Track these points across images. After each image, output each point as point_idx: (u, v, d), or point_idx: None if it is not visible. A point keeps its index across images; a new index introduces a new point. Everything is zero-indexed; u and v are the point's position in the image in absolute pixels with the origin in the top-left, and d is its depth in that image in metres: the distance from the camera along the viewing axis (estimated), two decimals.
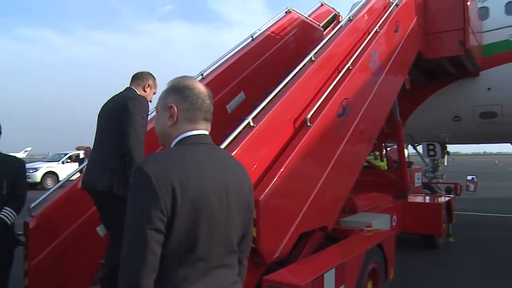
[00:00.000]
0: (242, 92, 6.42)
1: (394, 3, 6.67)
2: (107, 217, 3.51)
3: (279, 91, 4.29)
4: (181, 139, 1.56)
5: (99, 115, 3.61)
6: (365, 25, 6.09)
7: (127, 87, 3.70)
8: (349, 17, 5.87)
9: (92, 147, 3.66)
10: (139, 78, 3.72)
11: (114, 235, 3.28)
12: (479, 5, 9.26)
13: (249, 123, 3.79)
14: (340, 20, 8.92)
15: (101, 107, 3.66)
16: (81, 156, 20.60)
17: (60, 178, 20.39)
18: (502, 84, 9.09)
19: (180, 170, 1.40)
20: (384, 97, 5.97)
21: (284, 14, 7.33)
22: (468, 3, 7.76)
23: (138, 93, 3.61)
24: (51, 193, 4.52)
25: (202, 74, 5.98)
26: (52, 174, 21.38)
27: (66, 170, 20.61)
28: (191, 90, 1.59)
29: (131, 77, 3.75)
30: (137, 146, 3.26)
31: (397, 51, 6.41)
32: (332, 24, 8.65)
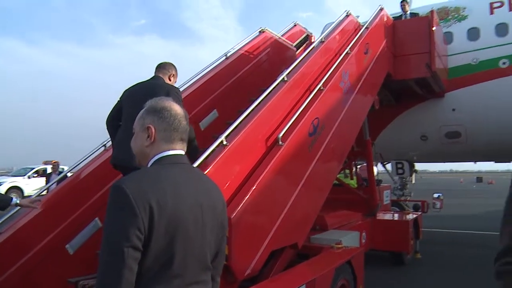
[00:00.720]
0: (215, 109, 6.50)
1: (365, 26, 6.93)
2: None
3: (252, 110, 4.38)
4: (158, 159, 1.61)
5: (129, 97, 3.80)
6: (336, 47, 6.29)
7: (155, 76, 3.97)
8: (321, 39, 6.05)
9: (120, 129, 3.79)
10: (165, 68, 4.02)
11: None
12: (444, 30, 9.67)
13: (222, 141, 3.86)
14: (313, 40, 9.18)
15: (128, 90, 3.89)
16: (49, 171, 20.13)
17: (26, 193, 19.91)
18: (465, 105, 9.49)
19: (157, 189, 1.45)
20: (354, 116, 6.15)
21: (258, 33, 7.48)
22: (434, 28, 8.12)
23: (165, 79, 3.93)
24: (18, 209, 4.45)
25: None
26: (16, 189, 20.81)
27: (32, 185, 20.13)
28: (169, 112, 1.65)
29: (156, 66, 4.04)
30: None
31: (367, 72, 6.62)
32: (305, 44, 8.88)
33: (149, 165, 1.63)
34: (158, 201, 1.41)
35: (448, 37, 9.75)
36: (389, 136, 10.17)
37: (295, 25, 8.81)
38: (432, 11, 8.38)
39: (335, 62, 5.74)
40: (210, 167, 3.59)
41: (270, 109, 4.51)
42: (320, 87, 5.14)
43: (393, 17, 9.25)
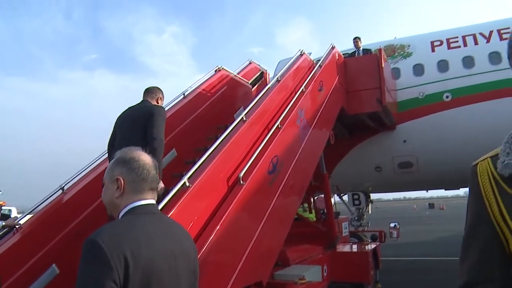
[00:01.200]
0: (174, 149, 6.53)
1: (318, 64, 7.24)
2: None
3: (213, 150, 4.46)
4: (129, 209, 1.65)
5: (120, 121, 4.36)
6: (291, 85, 6.53)
7: (143, 100, 4.47)
8: (277, 78, 6.26)
9: (115, 145, 4.21)
10: (153, 92, 4.53)
11: None
12: (392, 66, 10.28)
13: (185, 183, 3.90)
14: (267, 77, 9.46)
15: (121, 114, 4.41)
16: None
17: None
18: (415, 137, 10.03)
19: (131, 240, 1.48)
20: (311, 152, 6.35)
21: (214, 72, 7.65)
22: (383, 65, 8.59)
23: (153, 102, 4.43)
24: None
25: None
26: None
27: None
28: (137, 162, 1.70)
29: (144, 91, 4.55)
30: (161, 147, 4.09)
31: (321, 108, 6.88)
32: (260, 81, 9.13)
33: (120, 216, 1.67)
34: (133, 252, 1.45)
35: (396, 73, 10.37)
36: (345, 169, 10.49)
37: (250, 63, 9.06)
38: (380, 49, 8.94)
39: (291, 100, 5.95)
40: (174, 209, 3.61)
41: (231, 149, 4.61)
42: (277, 126, 5.30)
43: (347, 53, 9.74)
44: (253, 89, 8.67)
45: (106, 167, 1.80)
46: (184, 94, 6.94)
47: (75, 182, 5.33)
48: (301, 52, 7.35)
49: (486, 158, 1.30)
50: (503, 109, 9.06)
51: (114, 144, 4.26)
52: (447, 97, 9.74)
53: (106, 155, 5.18)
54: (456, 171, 9.92)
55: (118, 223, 1.59)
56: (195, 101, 7.03)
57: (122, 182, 1.68)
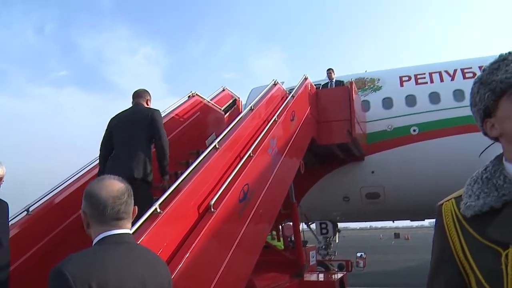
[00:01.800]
0: None
1: (291, 95, 7.43)
2: (137, 200, 3.78)
3: (185, 177, 4.50)
4: (98, 240, 1.67)
5: (116, 122, 4.79)
6: (264, 114, 6.68)
7: (135, 102, 4.94)
8: (251, 107, 6.39)
9: (115, 148, 4.73)
10: (141, 95, 4.97)
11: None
12: (362, 98, 10.64)
13: (156, 209, 3.92)
14: (240, 104, 9.61)
15: (115, 117, 4.84)
16: None
17: None
18: (383, 168, 10.36)
19: (98, 270, 1.51)
20: (281, 180, 6.46)
21: (188, 97, 7.73)
22: (354, 97, 8.88)
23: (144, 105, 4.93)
24: None
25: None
26: None
27: None
28: (94, 197, 1.70)
29: (133, 94, 4.96)
30: (167, 146, 4.76)
31: (293, 138, 7.04)
32: (233, 109, 9.27)
33: (93, 244, 1.70)
34: (99, 281, 1.47)
35: (366, 105, 10.74)
36: (313, 198, 10.68)
37: (223, 90, 9.21)
38: (351, 82, 9.26)
39: (263, 129, 6.08)
40: (144, 235, 3.62)
41: (203, 176, 4.66)
42: (249, 154, 5.40)
43: (320, 84, 10.02)
44: (225, 115, 8.78)
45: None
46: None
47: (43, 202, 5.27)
48: (274, 81, 7.54)
49: (451, 199, 1.39)
50: (466, 144, 9.47)
51: (114, 144, 4.77)
52: (414, 130, 10.16)
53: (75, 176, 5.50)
54: (421, 203, 10.23)
55: (86, 253, 1.60)
56: (167, 126, 7.03)
57: (85, 216, 1.72)
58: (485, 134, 1.39)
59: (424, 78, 10.72)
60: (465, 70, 10.49)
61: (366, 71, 12.02)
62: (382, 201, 10.53)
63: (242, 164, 5.19)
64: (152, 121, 4.70)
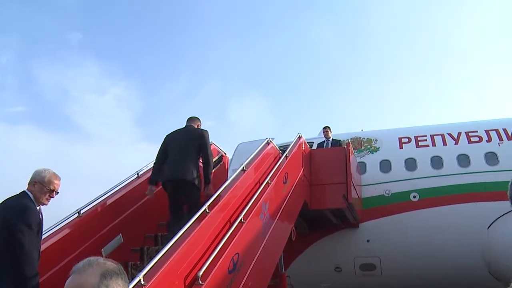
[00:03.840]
0: (120, 234, 6.50)
1: (284, 155, 7.58)
2: (188, 199, 6.33)
3: (173, 244, 4.49)
4: None
5: (171, 139, 6.69)
6: (257, 176, 6.77)
7: (189, 124, 6.83)
8: (243, 168, 6.48)
9: (169, 157, 6.52)
10: (194, 120, 6.91)
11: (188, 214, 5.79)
12: (358, 159, 10.83)
13: (140, 280, 3.90)
14: (226, 161, 9.72)
15: (170, 134, 6.78)
16: None
17: None
18: (379, 237, 10.38)
19: None
20: (272, 249, 6.48)
21: None
22: (351, 159, 9.07)
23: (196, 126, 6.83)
24: None
25: (78, 212, 6.03)
26: None
27: None
28: None
29: (187, 119, 6.91)
30: (212, 157, 6.76)
31: (285, 202, 7.13)
32: (219, 165, 9.37)
33: None
34: None
35: (362, 167, 10.91)
36: (301, 266, 10.51)
37: (210, 145, 9.33)
38: (348, 143, 9.48)
39: (255, 192, 6.16)
40: None
41: (191, 244, 4.66)
42: (241, 219, 5.45)
43: (313, 142, 10.22)
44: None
45: None
46: (138, 174, 7.04)
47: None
48: (267, 140, 7.70)
49: None
50: (473, 214, 9.67)
51: (169, 154, 6.53)
52: (414, 197, 10.30)
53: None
54: (421, 277, 10.25)
55: None
56: (141, 189, 7.10)
57: None
58: None
59: (425, 140, 10.99)
60: (470, 134, 10.79)
61: (362, 130, 12.32)
62: (378, 274, 10.43)
63: (233, 230, 5.23)
64: (201, 138, 6.57)
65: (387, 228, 10.31)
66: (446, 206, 10.04)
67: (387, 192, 10.50)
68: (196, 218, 4.99)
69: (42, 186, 4.32)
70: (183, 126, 6.90)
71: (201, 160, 6.64)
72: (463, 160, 10.38)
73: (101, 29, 40.26)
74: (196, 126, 6.81)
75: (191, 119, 6.88)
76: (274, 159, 7.61)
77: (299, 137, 8.64)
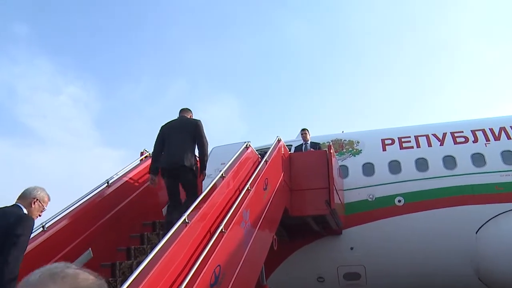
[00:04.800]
0: (90, 249, 6.47)
1: (264, 160, 7.66)
2: (187, 184, 7.11)
3: (151, 259, 4.50)
4: None
5: (167, 129, 7.45)
6: (236, 182, 6.82)
7: (182, 115, 7.67)
8: (222, 174, 6.52)
9: (167, 146, 7.26)
10: (186, 111, 7.72)
11: (187, 199, 6.88)
12: (340, 163, 10.98)
13: None
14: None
15: (166, 125, 7.53)
16: None
17: None
18: (364, 244, 10.47)
19: None
20: (254, 260, 6.55)
21: (141, 159, 7.82)
22: (333, 162, 9.20)
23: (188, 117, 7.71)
24: None
25: (43, 227, 5.99)
26: None
27: None
28: None
29: (180, 110, 7.76)
30: (207, 145, 7.44)
31: (266, 209, 7.20)
32: None
33: None
34: None
35: (344, 171, 11.05)
36: (281, 277, 10.53)
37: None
38: (329, 146, 9.62)
39: (235, 199, 6.22)
40: None
41: (170, 258, 4.67)
42: (221, 229, 5.50)
43: (291, 145, 10.29)
44: None
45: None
46: (108, 182, 7.02)
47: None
48: (246, 144, 7.76)
49: None
50: (460, 218, 9.85)
51: (166, 143, 7.29)
52: (399, 201, 10.45)
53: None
54: (409, 285, 10.40)
55: None
56: (119, 192, 7.11)
57: None
58: None
59: (410, 142, 11.19)
60: (456, 134, 11.03)
61: (343, 131, 12.47)
62: (363, 283, 10.55)
63: (214, 241, 5.27)
64: (196, 127, 7.38)
65: (372, 235, 10.42)
66: (433, 210, 10.21)
67: (371, 196, 10.64)
68: (175, 229, 5.01)
69: (41, 204, 4.94)
70: (176, 117, 7.73)
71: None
72: (449, 161, 10.59)
73: (51, 21, 38.81)
74: (188, 117, 7.66)
75: (184, 110, 7.76)
76: (254, 164, 7.68)
77: (279, 141, 8.74)
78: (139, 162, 7.72)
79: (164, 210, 7.64)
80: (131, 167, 7.52)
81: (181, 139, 7.21)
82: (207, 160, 7.41)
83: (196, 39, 43.96)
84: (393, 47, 44.31)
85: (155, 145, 7.45)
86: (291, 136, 11.92)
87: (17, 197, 4.91)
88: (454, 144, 10.89)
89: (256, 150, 8.58)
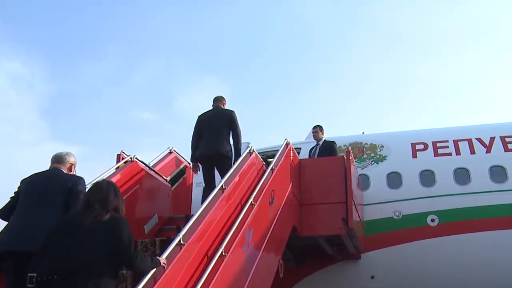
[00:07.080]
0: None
1: (270, 167, 7.85)
2: (223, 172, 7.72)
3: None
4: None
5: (204, 120, 9.29)
6: (238, 194, 7.01)
7: (216, 105, 9.47)
8: (222, 186, 6.64)
9: (204, 136, 9.11)
10: (220, 100, 9.53)
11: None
12: (359, 171, 11.01)
13: None
14: (189, 173, 9.90)
15: (202, 116, 9.40)
16: None
17: None
18: (387, 272, 10.50)
19: None
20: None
21: (125, 162, 7.93)
22: (352, 171, 9.30)
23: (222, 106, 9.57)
24: None
25: None
26: None
27: None
28: None
29: (213, 99, 9.60)
30: (241, 134, 9.09)
31: (271, 228, 7.36)
32: (181, 178, 9.57)
33: None
34: None
35: (364, 181, 11.06)
36: None
37: (170, 152, 9.52)
38: (348, 152, 9.65)
39: (237, 216, 6.37)
40: None
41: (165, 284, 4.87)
42: (221, 253, 5.66)
43: (300, 148, 10.34)
44: (172, 188, 9.03)
45: None
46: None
47: None
48: (250, 150, 7.90)
49: None
50: (505, 243, 9.78)
51: (203, 134, 9.08)
52: (432, 220, 10.39)
53: None
54: None
55: None
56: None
57: None
58: None
59: (447, 147, 11.12)
60: (507, 139, 10.89)
61: (363, 132, 12.55)
62: None
63: (213, 267, 5.42)
64: (230, 117, 9.11)
65: (397, 262, 10.37)
66: (475, 234, 10.07)
67: (397, 214, 10.63)
68: (170, 253, 5.17)
69: (75, 169, 6.13)
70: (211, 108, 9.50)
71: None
72: (498, 173, 10.44)
73: None
74: (222, 106, 9.44)
75: (217, 99, 9.54)
76: (258, 173, 7.81)
77: (287, 144, 8.88)
78: (120, 169, 7.72)
79: (147, 226, 7.76)
80: (110, 173, 7.57)
81: (217, 129, 9.00)
82: (240, 149, 8.82)
83: (180, 6, 42.30)
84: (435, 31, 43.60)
85: (193, 135, 9.26)
86: (298, 134, 11.81)
87: (52, 162, 5.97)
88: (505, 151, 10.74)
89: (259, 153, 8.73)
